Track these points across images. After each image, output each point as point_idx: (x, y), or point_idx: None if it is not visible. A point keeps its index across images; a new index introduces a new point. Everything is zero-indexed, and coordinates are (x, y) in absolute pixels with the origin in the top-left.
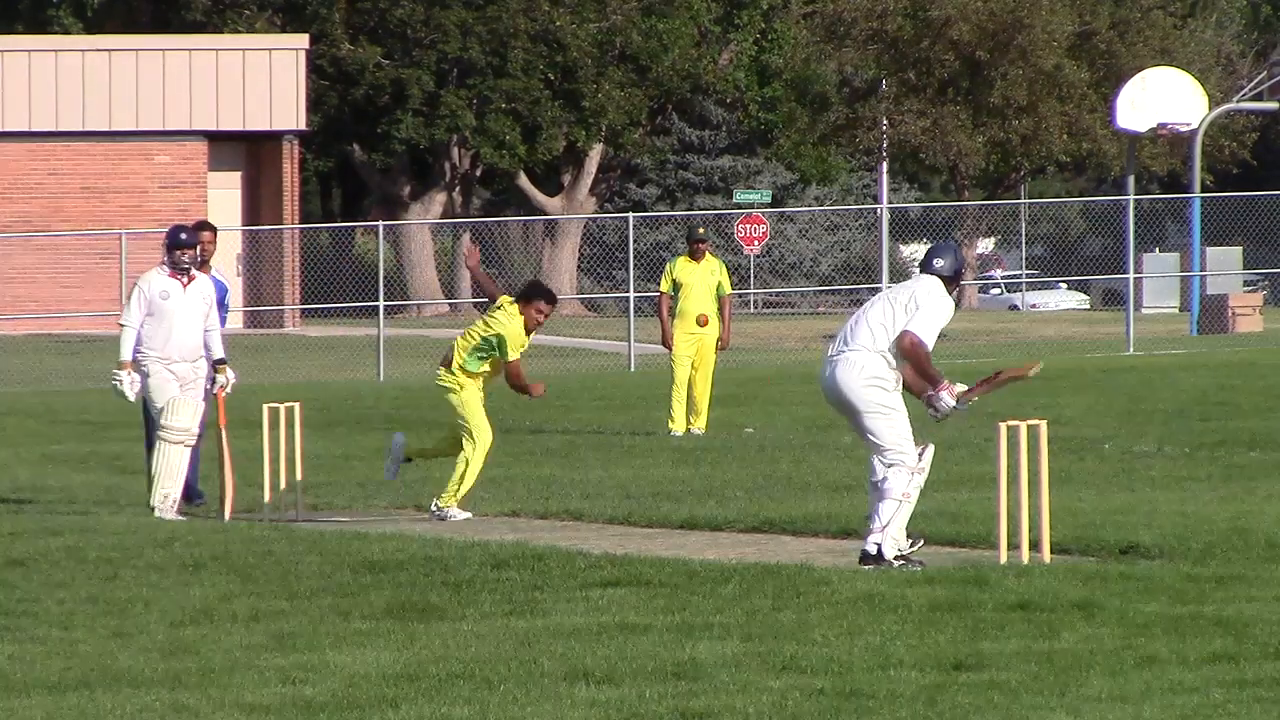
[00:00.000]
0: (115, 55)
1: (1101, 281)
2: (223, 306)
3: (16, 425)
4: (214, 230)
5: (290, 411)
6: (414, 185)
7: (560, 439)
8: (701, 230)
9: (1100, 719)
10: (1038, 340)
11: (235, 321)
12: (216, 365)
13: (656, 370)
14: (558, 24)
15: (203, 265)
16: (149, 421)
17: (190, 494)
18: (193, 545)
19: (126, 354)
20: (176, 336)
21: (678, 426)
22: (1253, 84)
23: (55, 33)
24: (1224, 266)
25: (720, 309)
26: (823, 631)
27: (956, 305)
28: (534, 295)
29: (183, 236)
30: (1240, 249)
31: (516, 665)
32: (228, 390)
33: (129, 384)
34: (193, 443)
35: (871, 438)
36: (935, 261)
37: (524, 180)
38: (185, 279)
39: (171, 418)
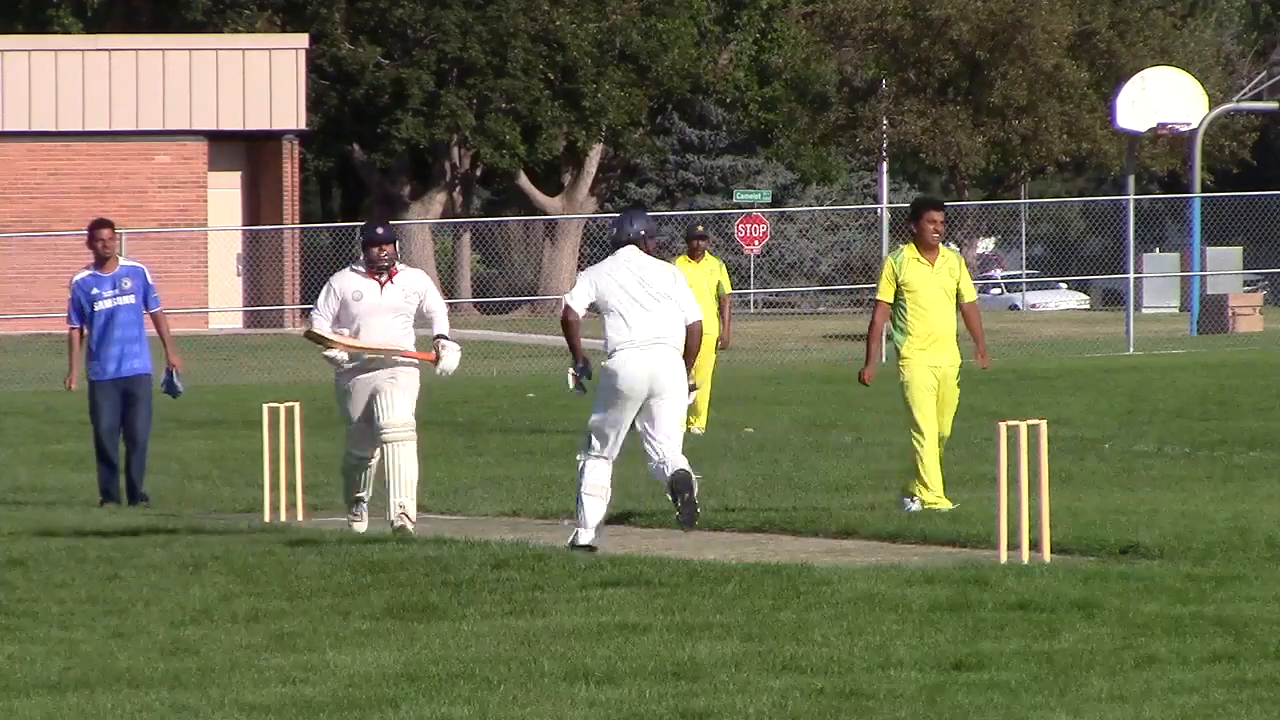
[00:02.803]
0: (115, 55)
1: (1101, 281)
2: (150, 288)
3: (16, 425)
4: (112, 227)
5: (290, 411)
6: (414, 185)
7: (560, 439)
8: (700, 229)
9: (1100, 719)
10: (1038, 340)
11: (235, 321)
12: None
13: None
14: (558, 24)
15: (107, 262)
16: (95, 422)
17: (134, 495)
18: (193, 545)
19: (322, 326)
20: (370, 340)
21: None
22: (1253, 84)
23: (55, 33)
24: (1224, 266)
25: (720, 308)
26: (823, 631)
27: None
28: (919, 209)
29: (378, 231)
30: (1240, 249)
31: (516, 665)
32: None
33: (318, 319)
34: (414, 435)
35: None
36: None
37: (524, 180)
38: (383, 278)
39: (384, 415)
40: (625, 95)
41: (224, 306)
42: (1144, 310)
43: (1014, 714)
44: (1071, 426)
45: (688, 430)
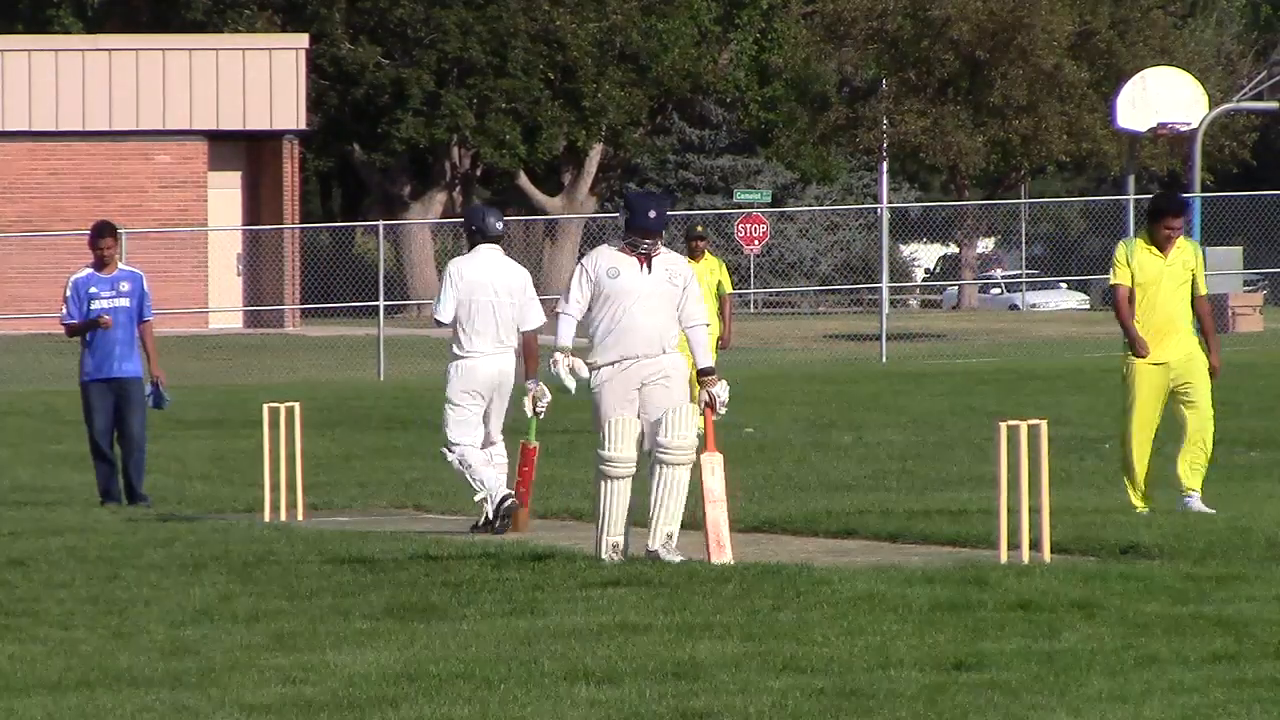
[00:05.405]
0: (115, 55)
1: (1101, 281)
2: (145, 295)
3: (16, 425)
4: (114, 235)
5: (290, 411)
6: (414, 185)
7: (560, 439)
8: (700, 229)
9: (1100, 719)
10: (1038, 340)
11: (235, 321)
12: (702, 377)
13: None
14: (558, 24)
15: (106, 267)
16: (89, 423)
17: (133, 497)
18: (193, 545)
19: (565, 340)
20: (631, 326)
21: None
22: (1253, 84)
23: (55, 33)
24: (1224, 266)
25: (720, 308)
26: (823, 631)
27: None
28: (1157, 213)
29: (650, 216)
30: (1240, 249)
31: (516, 665)
32: (718, 411)
33: (565, 368)
34: (693, 459)
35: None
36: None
37: (524, 180)
38: (645, 255)
39: (666, 434)
40: (625, 95)
41: (224, 306)
42: None
43: (1014, 714)
44: (1071, 426)
45: None
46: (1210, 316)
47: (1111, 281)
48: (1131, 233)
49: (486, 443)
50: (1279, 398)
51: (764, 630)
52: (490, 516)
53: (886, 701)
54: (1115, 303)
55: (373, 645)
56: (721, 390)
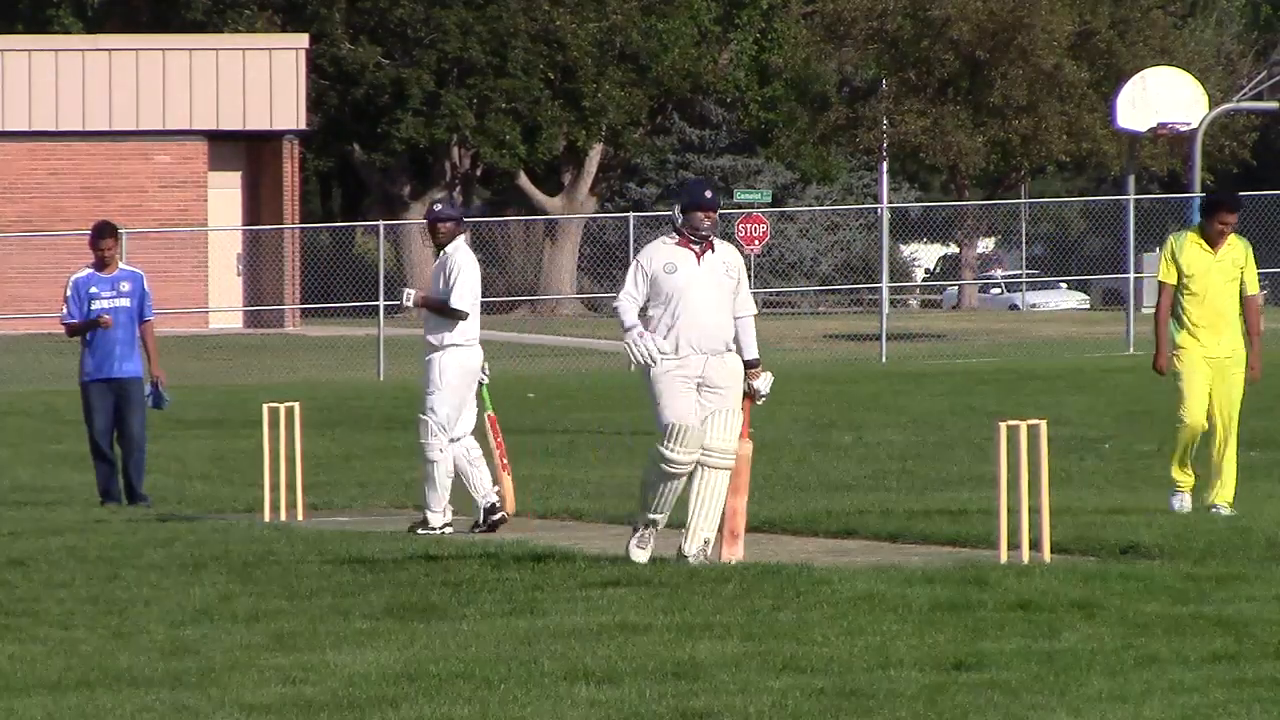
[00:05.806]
0: (115, 55)
1: (1101, 281)
2: (146, 295)
3: (16, 425)
4: (115, 236)
5: (290, 411)
6: (414, 185)
7: (560, 439)
8: None
9: (1100, 719)
10: (1038, 340)
11: (235, 321)
12: (748, 369)
13: None
14: (558, 24)
15: (106, 267)
16: (89, 423)
17: (133, 496)
18: (193, 545)
19: (633, 318)
20: (691, 323)
21: None
22: (1253, 84)
23: (55, 33)
24: None
25: None
26: (823, 631)
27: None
28: (1212, 209)
29: (707, 195)
30: None
31: (516, 665)
32: (759, 400)
33: (649, 342)
34: (734, 464)
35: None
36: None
37: (524, 180)
38: (700, 249)
39: (712, 436)
40: (625, 95)
41: (224, 306)
42: (1144, 310)
43: (1014, 714)
44: (1071, 426)
45: None
46: (1257, 316)
47: (1158, 278)
48: (1131, 233)
49: (452, 438)
50: (1279, 398)
51: (764, 630)
52: (480, 523)
53: (886, 701)
54: (1157, 302)
55: (373, 645)
56: (764, 384)
